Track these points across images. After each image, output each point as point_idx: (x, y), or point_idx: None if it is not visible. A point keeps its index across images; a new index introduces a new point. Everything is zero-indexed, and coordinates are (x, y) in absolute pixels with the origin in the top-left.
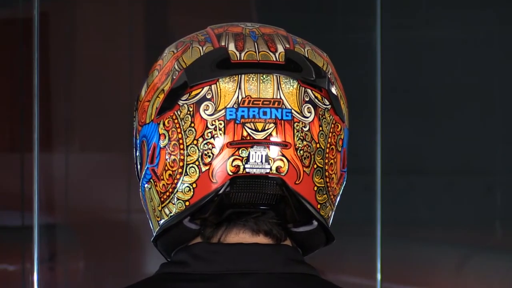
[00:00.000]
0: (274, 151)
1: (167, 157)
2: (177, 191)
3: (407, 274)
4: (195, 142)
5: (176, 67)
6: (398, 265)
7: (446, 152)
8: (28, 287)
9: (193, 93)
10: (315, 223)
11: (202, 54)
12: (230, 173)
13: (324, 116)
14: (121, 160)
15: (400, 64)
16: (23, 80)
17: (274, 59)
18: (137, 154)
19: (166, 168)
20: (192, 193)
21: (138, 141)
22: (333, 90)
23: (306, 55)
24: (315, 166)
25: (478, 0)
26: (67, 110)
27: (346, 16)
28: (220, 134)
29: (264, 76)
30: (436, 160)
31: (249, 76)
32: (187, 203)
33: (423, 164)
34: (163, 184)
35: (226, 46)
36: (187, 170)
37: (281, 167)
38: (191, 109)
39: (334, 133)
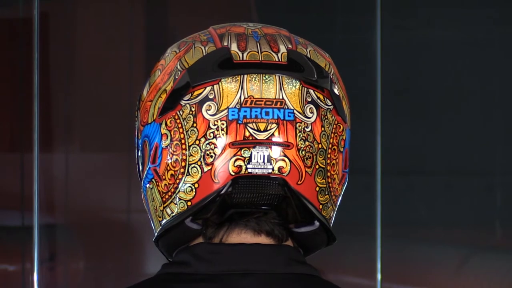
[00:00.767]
0: (276, 152)
1: (169, 157)
2: (179, 191)
3: (407, 274)
4: (197, 142)
5: (179, 67)
6: (398, 265)
7: (446, 152)
8: (28, 287)
9: (196, 93)
10: (317, 223)
11: (204, 54)
12: (232, 173)
13: (326, 117)
14: (121, 160)
15: (400, 64)
16: (23, 80)
17: (277, 59)
18: (139, 154)
19: (168, 168)
20: (194, 193)
21: (140, 141)
22: (335, 90)
23: (308, 56)
24: (317, 166)
25: (478, 0)
26: (67, 110)
27: (346, 16)
28: (222, 134)
29: (267, 76)
30: (436, 160)
31: (252, 76)
32: (189, 203)
33: (423, 164)
34: (165, 184)
35: (229, 46)
36: (189, 170)
37: (283, 167)
38: (193, 109)
39: (336, 134)
